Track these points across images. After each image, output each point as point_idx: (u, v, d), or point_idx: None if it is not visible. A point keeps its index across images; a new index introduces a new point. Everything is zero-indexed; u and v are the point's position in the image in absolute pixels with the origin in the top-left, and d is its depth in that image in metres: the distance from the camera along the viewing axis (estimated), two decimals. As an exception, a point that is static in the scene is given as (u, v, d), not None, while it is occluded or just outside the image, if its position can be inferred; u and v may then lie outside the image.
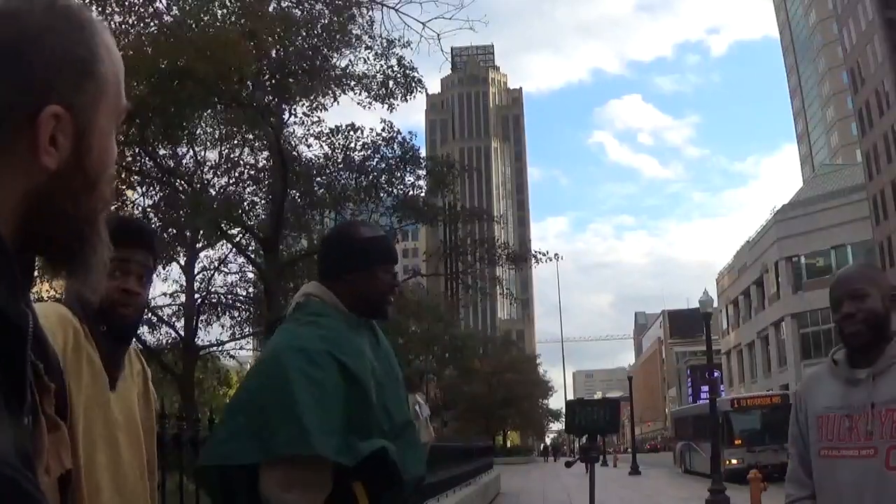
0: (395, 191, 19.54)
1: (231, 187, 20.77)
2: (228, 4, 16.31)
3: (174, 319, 22.66)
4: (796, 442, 2.44)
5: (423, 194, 20.09)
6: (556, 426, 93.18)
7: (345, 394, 1.91)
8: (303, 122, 18.96)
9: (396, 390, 2.11)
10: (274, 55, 16.67)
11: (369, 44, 17.83)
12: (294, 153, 18.86)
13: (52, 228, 0.80)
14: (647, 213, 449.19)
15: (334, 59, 17.58)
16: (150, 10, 15.92)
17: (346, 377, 1.92)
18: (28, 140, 0.76)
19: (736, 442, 22.59)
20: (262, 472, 1.87)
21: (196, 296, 22.63)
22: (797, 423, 2.44)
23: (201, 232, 19.61)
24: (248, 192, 20.60)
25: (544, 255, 21.71)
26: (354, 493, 1.95)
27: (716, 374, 41.95)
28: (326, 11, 17.29)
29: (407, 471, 2.01)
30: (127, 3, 15.64)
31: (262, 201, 20.14)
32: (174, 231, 19.17)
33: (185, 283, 22.76)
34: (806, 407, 2.40)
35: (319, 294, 2.11)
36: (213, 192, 19.58)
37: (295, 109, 18.13)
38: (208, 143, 20.84)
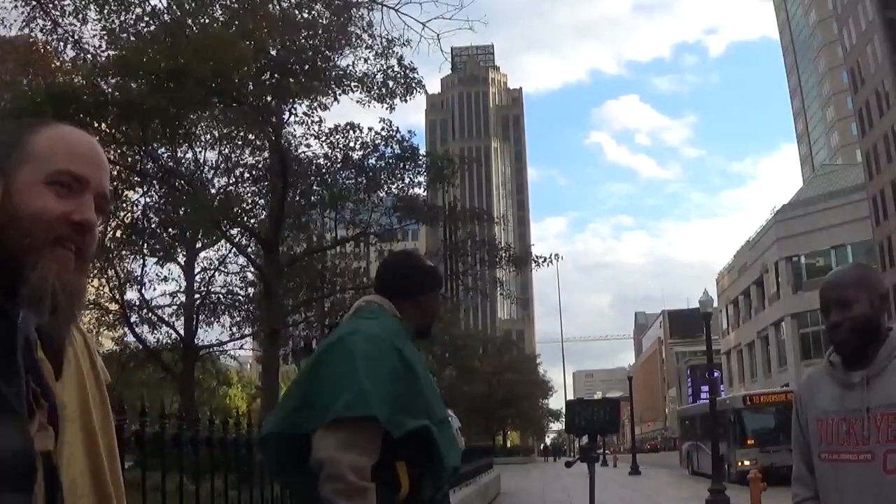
0: (394, 189, 19.53)
1: (231, 187, 20.77)
2: (228, 5, 16.32)
3: (174, 319, 22.67)
4: (798, 442, 2.43)
5: (423, 193, 20.09)
6: (556, 426, 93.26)
7: (399, 375, 2.13)
8: (303, 122, 18.96)
9: (437, 393, 2.33)
10: (274, 55, 16.66)
11: (369, 43, 17.84)
12: (294, 153, 18.85)
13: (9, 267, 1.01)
14: (645, 214, 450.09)
15: (335, 60, 17.59)
16: (149, 8, 15.91)
17: (402, 361, 2.16)
18: None
19: (748, 442, 21.35)
20: (319, 436, 2.05)
21: (196, 296, 22.62)
22: (798, 424, 2.43)
23: (201, 232, 19.60)
24: (248, 192, 20.61)
25: (545, 259, 21.67)
26: (397, 472, 2.11)
27: (716, 374, 41.96)
28: (327, 12, 17.29)
29: (446, 458, 2.18)
30: (126, 3, 15.64)
31: (262, 201, 20.14)
32: (174, 231, 19.17)
33: (184, 283, 22.77)
34: (805, 408, 2.39)
35: (380, 303, 2.38)
36: (213, 192, 19.58)
37: (295, 109, 18.13)
38: (208, 143, 20.84)
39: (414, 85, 17.80)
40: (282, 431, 2.19)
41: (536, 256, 21.86)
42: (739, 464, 20.74)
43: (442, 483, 2.22)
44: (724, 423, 22.04)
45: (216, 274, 23.59)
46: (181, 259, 22.17)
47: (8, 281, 1.03)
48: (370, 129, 18.78)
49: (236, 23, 15.58)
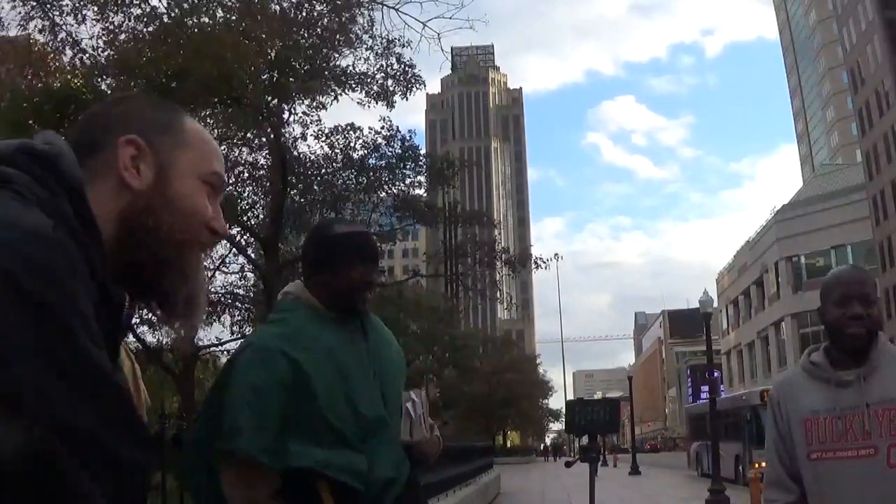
0: (394, 189, 19.53)
1: (230, 187, 20.76)
2: (228, 5, 16.30)
3: (174, 319, 22.60)
4: (777, 447, 2.43)
5: (423, 193, 20.07)
6: (556, 426, 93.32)
7: (289, 392, 1.97)
8: (302, 122, 18.96)
9: (370, 386, 2.10)
10: (274, 55, 16.65)
11: (369, 44, 17.84)
12: (294, 153, 18.85)
13: (140, 251, 0.95)
14: (643, 214, 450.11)
15: (334, 59, 17.57)
16: (148, 8, 15.90)
17: (296, 373, 1.99)
18: (115, 167, 0.97)
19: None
20: (220, 470, 1.98)
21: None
22: (777, 429, 2.43)
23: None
24: (248, 192, 20.59)
25: (545, 262, 21.68)
26: (320, 493, 1.98)
27: (715, 374, 41.84)
28: (326, 11, 17.28)
29: (374, 472, 2.03)
30: (125, 3, 15.64)
31: (262, 201, 20.13)
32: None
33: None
34: (787, 411, 2.39)
35: (295, 292, 2.19)
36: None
37: (295, 109, 18.13)
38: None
39: (413, 81, 17.80)
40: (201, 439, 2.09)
41: (537, 258, 21.87)
42: (757, 465, 19.22)
43: (373, 499, 2.04)
44: (737, 421, 21.42)
45: (216, 274, 23.61)
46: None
47: (135, 270, 0.96)
48: (371, 128, 18.81)
49: (238, 22, 15.56)
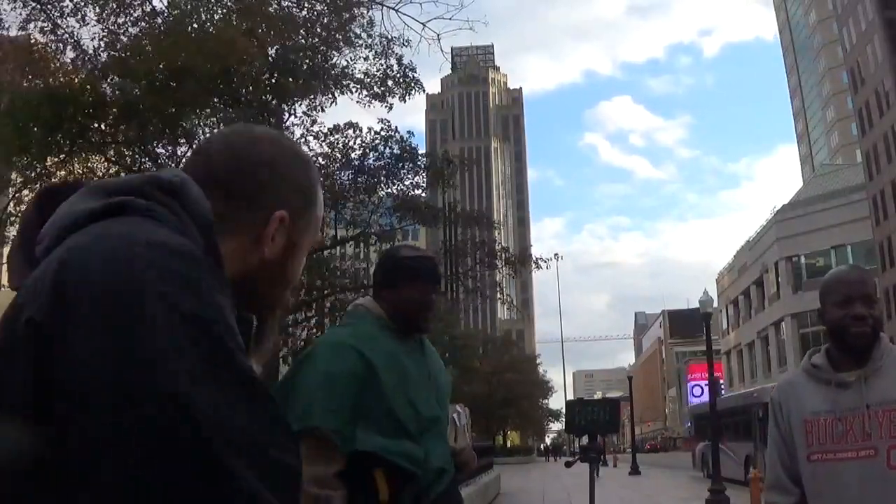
0: (394, 189, 19.53)
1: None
2: (229, 4, 16.30)
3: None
4: (777, 448, 2.42)
5: (422, 193, 20.06)
6: (556, 426, 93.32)
7: (360, 383, 2.15)
8: (302, 122, 18.96)
9: (427, 390, 2.32)
10: (274, 55, 16.65)
11: (369, 43, 17.83)
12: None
13: (247, 306, 0.99)
14: (642, 215, 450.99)
15: (334, 59, 17.57)
16: (149, 8, 15.90)
17: (367, 367, 2.17)
18: (258, 233, 1.01)
19: None
20: None
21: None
22: (778, 430, 2.42)
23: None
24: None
25: (546, 261, 21.67)
26: (375, 480, 2.13)
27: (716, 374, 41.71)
28: (326, 10, 17.27)
29: (429, 461, 2.21)
30: (126, 3, 15.63)
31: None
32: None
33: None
34: (788, 413, 2.38)
35: (366, 304, 2.43)
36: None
37: (294, 109, 18.12)
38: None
39: (413, 84, 17.79)
40: None
41: (537, 258, 21.87)
42: None
43: (426, 486, 2.21)
44: (748, 419, 20.56)
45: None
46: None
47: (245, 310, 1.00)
48: (369, 129, 18.80)
49: (238, 21, 15.56)
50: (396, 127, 18.84)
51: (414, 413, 2.21)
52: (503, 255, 21.47)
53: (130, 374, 0.75)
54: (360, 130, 18.78)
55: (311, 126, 18.83)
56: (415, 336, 2.39)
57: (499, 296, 23.81)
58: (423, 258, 2.48)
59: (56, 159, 16.08)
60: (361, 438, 2.11)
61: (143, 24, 15.94)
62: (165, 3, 15.93)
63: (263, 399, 0.84)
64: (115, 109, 15.06)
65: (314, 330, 21.49)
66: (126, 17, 15.83)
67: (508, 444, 75.94)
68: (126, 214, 0.87)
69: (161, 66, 14.48)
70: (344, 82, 17.53)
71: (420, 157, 19.88)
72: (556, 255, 22.38)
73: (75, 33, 16.20)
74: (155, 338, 0.76)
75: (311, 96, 17.53)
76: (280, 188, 1.03)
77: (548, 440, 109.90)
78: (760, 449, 18.86)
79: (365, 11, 17.74)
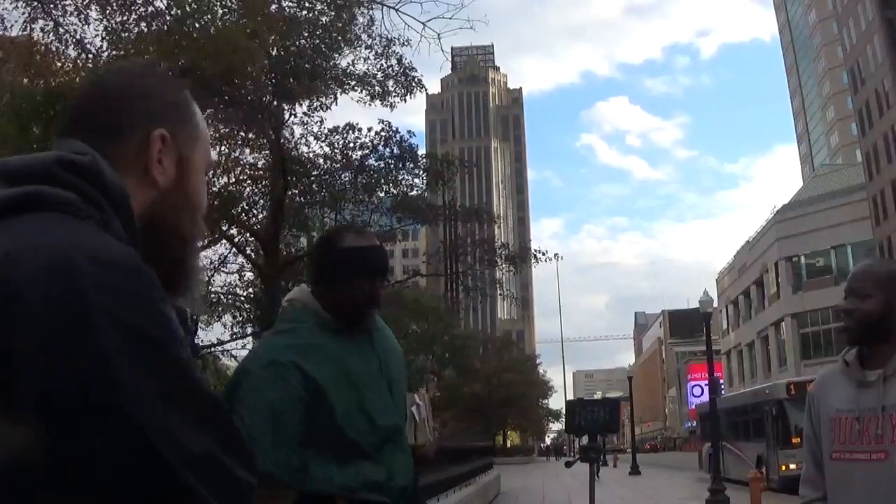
0: (393, 190, 19.54)
1: (231, 187, 20.76)
2: (230, 4, 16.31)
3: (174, 319, 22.63)
4: (810, 442, 2.39)
5: (422, 193, 20.08)
6: (556, 426, 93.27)
7: (306, 408, 1.96)
8: (303, 122, 18.97)
9: (383, 395, 2.11)
10: (275, 55, 16.66)
11: (369, 43, 17.84)
12: (294, 153, 18.86)
13: (162, 248, 0.95)
14: (640, 215, 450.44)
15: (335, 59, 17.58)
16: (150, 9, 15.91)
17: (312, 388, 1.97)
18: (143, 160, 0.95)
19: (794, 440, 16.75)
20: None
21: (196, 296, 22.59)
22: (811, 424, 2.39)
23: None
24: (248, 192, 20.59)
25: (544, 254, 21.74)
26: None
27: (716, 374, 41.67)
28: (327, 10, 17.28)
29: (393, 479, 2.04)
30: (127, 2, 15.64)
31: (262, 201, 20.14)
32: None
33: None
34: (819, 408, 2.35)
35: (302, 299, 2.15)
36: (214, 192, 19.57)
37: (295, 109, 18.13)
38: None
39: (413, 84, 17.81)
40: None
41: (535, 251, 21.92)
42: (783, 468, 17.28)
43: None
44: (760, 417, 19.74)
45: (216, 274, 23.61)
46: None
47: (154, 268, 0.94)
48: (370, 129, 18.82)
49: (241, 21, 15.57)
50: (398, 128, 18.90)
51: (371, 428, 2.03)
52: (503, 254, 21.51)
53: (75, 388, 0.73)
54: (361, 131, 18.83)
55: (312, 126, 18.88)
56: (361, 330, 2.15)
57: (499, 292, 23.83)
58: (370, 248, 2.16)
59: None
60: (315, 476, 1.94)
61: (145, 24, 15.95)
62: (165, 4, 15.94)
63: (220, 417, 0.83)
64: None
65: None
66: (129, 15, 15.84)
67: (508, 444, 75.95)
68: (41, 209, 0.81)
69: (162, 66, 14.48)
70: (345, 82, 17.55)
71: (420, 159, 19.91)
72: (556, 254, 22.41)
73: (78, 32, 16.23)
74: (108, 363, 0.74)
75: (313, 96, 17.55)
76: (144, 108, 0.97)
77: (548, 440, 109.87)
78: (775, 449, 17.95)
79: (365, 11, 17.77)
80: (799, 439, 14.78)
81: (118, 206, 0.87)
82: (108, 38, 15.95)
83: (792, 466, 16.55)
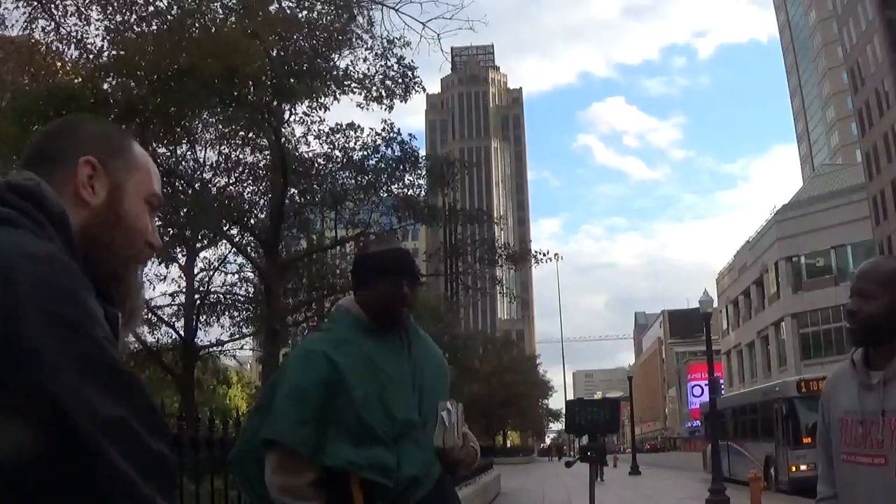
0: (394, 190, 19.52)
1: (231, 187, 20.76)
2: (230, 4, 16.30)
3: (174, 319, 22.65)
4: (823, 440, 2.37)
5: (423, 194, 20.07)
6: (557, 426, 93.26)
7: (329, 392, 2.20)
8: (303, 122, 18.96)
9: (406, 393, 2.30)
10: (275, 55, 16.65)
11: (369, 44, 17.82)
12: (294, 153, 18.85)
13: (96, 263, 1.06)
14: (638, 215, 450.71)
15: (335, 60, 17.56)
16: (151, 9, 15.90)
17: (336, 375, 2.21)
18: (73, 184, 1.10)
19: (804, 440, 16.20)
20: (265, 458, 2.23)
21: (196, 296, 22.61)
22: (823, 423, 2.37)
23: (202, 232, 19.57)
24: (248, 192, 20.59)
25: (545, 254, 21.71)
26: (350, 487, 2.18)
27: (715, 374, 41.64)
28: (326, 10, 17.27)
29: (401, 470, 2.20)
30: (128, 2, 15.64)
31: (262, 201, 20.13)
32: (174, 231, 19.16)
33: (184, 284, 22.75)
34: (829, 408, 2.32)
35: (346, 304, 2.46)
36: (214, 192, 19.58)
37: (295, 109, 18.12)
38: (208, 143, 20.82)
39: (413, 85, 17.77)
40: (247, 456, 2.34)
41: (535, 252, 21.89)
42: (793, 469, 16.76)
43: (398, 495, 2.20)
44: (769, 416, 19.23)
45: (216, 274, 23.60)
46: (181, 259, 22.15)
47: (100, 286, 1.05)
48: (371, 129, 18.79)
49: (241, 21, 15.56)
50: (399, 129, 18.85)
51: (388, 418, 2.21)
52: (503, 253, 21.49)
53: (7, 372, 0.84)
54: (361, 131, 18.80)
55: (312, 126, 18.87)
56: (395, 332, 2.37)
57: (499, 290, 23.81)
58: (390, 251, 2.43)
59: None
60: (330, 451, 2.16)
61: (146, 24, 15.95)
62: (166, 4, 15.94)
63: (133, 390, 0.92)
64: (116, 109, 15.06)
65: (315, 328, 21.49)
66: (129, 15, 15.84)
67: (508, 444, 75.95)
68: None
69: (163, 66, 14.48)
70: (345, 83, 17.53)
71: (421, 160, 19.89)
72: (556, 254, 22.37)
73: (78, 32, 16.23)
74: (32, 340, 0.85)
75: (313, 96, 17.54)
76: (78, 141, 1.13)
77: (548, 440, 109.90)
78: (785, 449, 17.41)
79: (365, 11, 17.75)
80: (810, 439, 15.43)
81: (59, 224, 1.01)
82: (108, 38, 15.95)
83: (803, 468, 15.93)
